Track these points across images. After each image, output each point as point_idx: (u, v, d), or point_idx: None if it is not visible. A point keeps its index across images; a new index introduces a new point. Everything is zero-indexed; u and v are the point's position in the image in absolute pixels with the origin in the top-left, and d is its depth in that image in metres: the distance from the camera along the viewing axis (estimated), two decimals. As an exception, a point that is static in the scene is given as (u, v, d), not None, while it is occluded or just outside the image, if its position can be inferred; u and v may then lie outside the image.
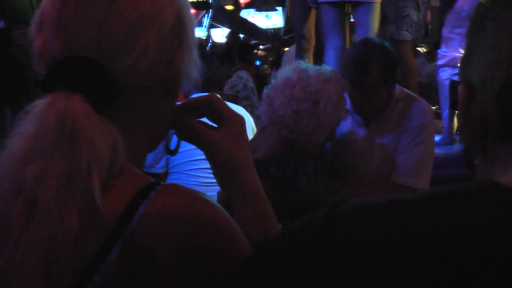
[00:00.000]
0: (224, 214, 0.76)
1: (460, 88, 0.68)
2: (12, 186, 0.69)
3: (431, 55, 7.34)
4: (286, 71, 2.15)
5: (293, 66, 2.17)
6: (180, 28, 0.81)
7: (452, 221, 0.57)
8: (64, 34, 0.75)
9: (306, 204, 2.04)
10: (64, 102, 0.71)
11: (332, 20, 3.70)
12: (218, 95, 0.94)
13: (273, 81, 2.16)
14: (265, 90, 2.17)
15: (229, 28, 11.26)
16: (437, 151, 4.05)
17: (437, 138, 4.45)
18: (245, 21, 11.91)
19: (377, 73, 2.26)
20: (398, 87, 2.45)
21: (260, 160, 2.07)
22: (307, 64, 2.21)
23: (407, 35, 4.23)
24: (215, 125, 0.91)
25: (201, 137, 0.88)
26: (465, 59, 0.68)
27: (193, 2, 14.14)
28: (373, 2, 3.67)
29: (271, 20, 12.73)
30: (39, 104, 0.72)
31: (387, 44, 2.42)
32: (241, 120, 0.92)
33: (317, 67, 2.17)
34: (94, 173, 0.70)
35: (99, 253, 0.69)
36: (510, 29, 0.61)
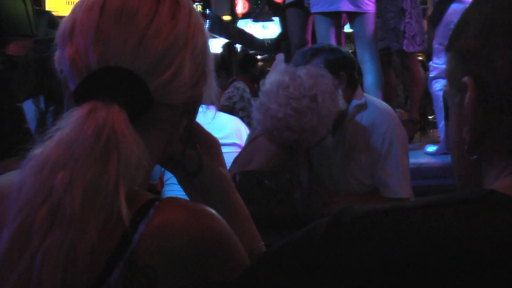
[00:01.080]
0: (225, 225, 0.77)
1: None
2: (41, 191, 0.69)
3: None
4: (275, 76, 2.18)
5: (280, 70, 2.19)
6: (206, 54, 0.84)
7: (452, 228, 0.59)
8: (103, 44, 0.75)
9: (301, 216, 2.04)
10: (105, 112, 0.71)
11: (325, 30, 3.71)
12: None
13: (263, 88, 2.17)
14: (257, 99, 2.17)
15: (226, 38, 11.27)
16: (434, 161, 4.07)
17: (433, 148, 4.46)
18: (242, 31, 11.94)
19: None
20: (360, 92, 2.47)
21: (255, 172, 2.07)
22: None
23: (396, 46, 4.28)
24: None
25: (189, 161, 0.92)
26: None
27: (190, 13, 14.15)
28: (368, 12, 3.69)
29: (268, 30, 12.76)
30: (77, 111, 0.72)
31: (343, 48, 2.52)
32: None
33: (303, 66, 2.20)
34: (121, 187, 0.69)
35: (101, 274, 0.69)
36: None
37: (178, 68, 0.77)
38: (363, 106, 2.42)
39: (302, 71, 2.13)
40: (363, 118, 2.40)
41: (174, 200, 0.77)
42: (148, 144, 0.76)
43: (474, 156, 0.68)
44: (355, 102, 2.41)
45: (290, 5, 4.24)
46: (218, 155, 0.93)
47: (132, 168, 0.71)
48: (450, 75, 0.71)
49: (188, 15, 0.80)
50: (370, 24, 3.73)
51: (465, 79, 0.67)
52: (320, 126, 2.09)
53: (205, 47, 0.84)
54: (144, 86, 0.74)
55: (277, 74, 2.18)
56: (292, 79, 2.11)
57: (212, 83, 0.87)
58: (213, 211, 0.76)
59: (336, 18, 3.76)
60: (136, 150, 0.71)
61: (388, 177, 2.35)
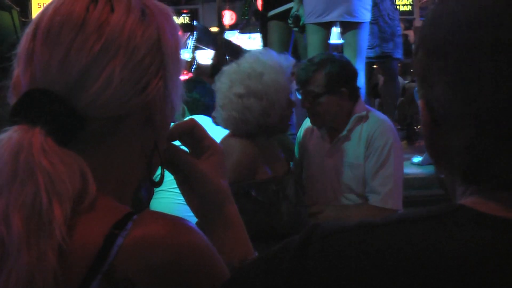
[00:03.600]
0: (204, 239, 0.76)
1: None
2: None
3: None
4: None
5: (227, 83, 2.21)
6: (158, 55, 0.79)
7: (419, 244, 0.59)
8: (32, 67, 0.75)
9: (288, 227, 2.04)
10: (21, 136, 0.71)
11: (319, 41, 3.71)
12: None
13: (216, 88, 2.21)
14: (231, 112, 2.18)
15: (213, 50, 11.28)
16: (421, 171, 4.09)
17: (420, 158, 4.48)
18: (229, 42, 11.96)
19: (320, 81, 2.38)
20: (362, 104, 2.51)
21: (243, 183, 2.07)
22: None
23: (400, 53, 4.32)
24: (187, 150, 0.91)
25: (189, 168, 0.88)
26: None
27: (177, 24, 14.14)
28: (363, 22, 3.71)
29: (255, 41, 12.81)
30: (0, 137, 0.72)
31: (345, 57, 2.53)
32: (221, 150, 0.92)
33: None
34: (55, 205, 0.69)
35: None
36: None
37: (108, 79, 0.74)
38: (364, 118, 2.46)
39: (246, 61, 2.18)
40: (363, 129, 2.45)
41: (153, 213, 0.76)
42: (105, 160, 0.77)
43: (441, 175, 0.69)
44: (356, 113, 2.45)
45: (272, 17, 4.25)
46: (219, 165, 0.90)
47: (66, 187, 0.70)
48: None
49: (123, 20, 0.76)
50: (364, 34, 3.73)
51: (419, 102, 0.67)
52: (271, 109, 2.13)
53: (158, 47, 0.79)
54: (65, 105, 0.73)
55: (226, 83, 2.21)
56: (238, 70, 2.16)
57: (175, 85, 0.83)
58: (192, 225, 0.76)
59: (329, 29, 3.77)
60: (63, 168, 0.70)
61: (380, 187, 2.37)
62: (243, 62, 2.19)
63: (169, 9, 0.85)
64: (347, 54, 3.59)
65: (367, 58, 4.20)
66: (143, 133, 0.81)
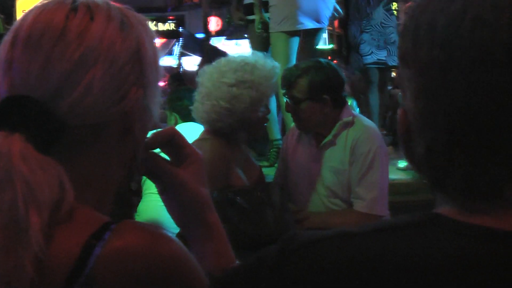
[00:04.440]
0: (183, 250, 0.76)
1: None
2: None
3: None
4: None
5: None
6: (137, 64, 0.80)
7: (396, 253, 0.60)
8: (11, 73, 0.74)
9: (274, 234, 2.03)
10: (0, 142, 0.70)
11: (287, 49, 3.76)
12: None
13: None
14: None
15: (200, 56, 11.29)
16: (406, 177, 4.10)
17: (405, 163, 4.49)
18: (215, 49, 11.98)
19: (302, 87, 2.42)
20: (348, 110, 2.52)
21: (228, 190, 2.07)
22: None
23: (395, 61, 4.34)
24: (167, 158, 0.91)
25: (169, 176, 0.88)
26: None
27: (163, 31, 14.17)
28: (321, 28, 3.83)
29: (241, 47, 12.85)
30: None
31: (332, 65, 2.54)
32: (202, 158, 0.92)
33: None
34: (32, 213, 0.68)
35: None
36: None
37: (88, 87, 0.74)
38: (349, 123, 2.47)
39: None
40: (348, 134, 2.46)
41: (131, 223, 0.75)
42: (82, 168, 0.76)
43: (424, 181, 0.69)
44: (343, 119, 2.47)
45: (250, 21, 4.27)
46: (199, 173, 0.90)
47: (44, 194, 0.69)
48: None
49: (102, 28, 0.77)
50: (321, 38, 3.92)
51: (398, 110, 0.68)
52: (258, 103, 2.19)
53: (137, 57, 0.80)
54: (45, 112, 0.73)
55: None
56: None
57: (154, 94, 0.84)
58: (171, 235, 0.76)
59: (297, 36, 3.82)
60: (42, 176, 0.70)
61: (365, 193, 2.38)
62: (234, 57, 2.26)
63: (146, 19, 0.86)
64: (306, 58, 3.65)
65: (367, 64, 4.23)
66: (122, 141, 0.81)
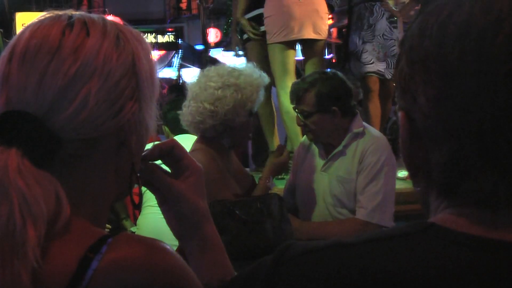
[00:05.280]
0: (181, 261, 0.76)
1: None
2: None
3: None
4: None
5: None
6: (132, 79, 0.80)
7: (390, 263, 0.60)
8: (8, 89, 0.75)
9: (273, 245, 2.04)
10: None
11: (284, 59, 3.77)
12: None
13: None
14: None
15: (199, 67, 11.33)
16: (406, 186, 4.09)
17: (405, 172, 4.48)
18: (214, 60, 12.03)
19: (310, 101, 2.44)
20: (359, 121, 2.53)
21: (226, 201, 2.07)
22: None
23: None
24: (168, 170, 0.91)
25: (167, 188, 0.89)
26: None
27: (162, 43, 14.23)
28: (320, 40, 3.81)
29: (240, 59, 12.92)
30: None
31: (338, 76, 2.54)
32: (201, 169, 0.92)
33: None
34: (28, 227, 0.68)
35: None
36: None
37: (83, 101, 0.75)
38: (360, 135, 2.48)
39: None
40: (358, 145, 2.47)
41: (127, 236, 0.76)
42: (79, 182, 0.77)
43: (417, 189, 0.68)
44: (353, 129, 2.48)
45: (249, 38, 4.29)
46: (198, 185, 0.90)
47: (41, 208, 0.70)
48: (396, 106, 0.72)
49: (98, 44, 0.77)
50: (323, 50, 3.89)
51: (399, 114, 0.67)
52: (241, 107, 2.21)
53: (133, 71, 0.80)
54: (41, 127, 0.73)
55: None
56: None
57: (150, 108, 0.84)
58: (167, 246, 0.76)
59: (293, 47, 3.84)
60: (39, 190, 0.70)
61: (367, 201, 2.38)
62: (223, 64, 2.35)
63: (142, 34, 0.87)
64: (310, 70, 3.67)
65: (369, 72, 4.22)
66: (119, 155, 0.82)
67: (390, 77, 4.33)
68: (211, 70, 2.27)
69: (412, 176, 0.68)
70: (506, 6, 0.58)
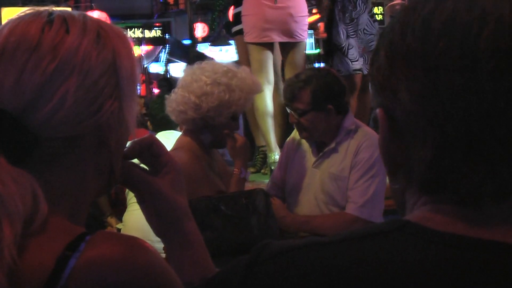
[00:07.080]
0: (160, 259, 0.75)
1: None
2: None
3: None
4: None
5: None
6: (112, 77, 0.79)
7: (364, 261, 0.60)
8: None
9: (258, 241, 2.03)
10: None
11: (259, 59, 3.79)
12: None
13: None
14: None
15: (186, 62, 11.31)
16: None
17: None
18: (202, 55, 12.00)
19: (305, 99, 2.42)
20: (351, 118, 2.53)
21: (211, 197, 2.07)
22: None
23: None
24: (146, 167, 0.91)
25: (145, 185, 0.88)
26: None
27: (149, 38, 14.17)
28: (302, 41, 3.83)
29: (228, 53, 12.91)
30: None
31: (333, 73, 2.55)
32: (179, 166, 0.92)
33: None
34: (4, 225, 0.67)
35: None
36: None
37: (61, 99, 0.74)
38: (352, 132, 2.48)
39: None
40: (351, 142, 2.47)
41: (106, 233, 0.76)
42: (57, 180, 0.76)
43: (396, 186, 0.68)
44: (346, 127, 2.48)
45: (236, 33, 4.28)
46: (177, 181, 0.90)
47: (17, 206, 0.69)
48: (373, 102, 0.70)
49: (77, 41, 0.76)
50: (302, 52, 3.89)
51: (377, 110, 0.65)
52: (226, 108, 2.22)
53: (114, 69, 0.79)
54: (18, 124, 0.72)
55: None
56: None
57: (130, 107, 0.83)
58: (147, 244, 0.75)
59: (269, 48, 3.83)
60: (15, 188, 0.70)
61: (357, 196, 2.38)
62: (221, 62, 2.36)
63: (124, 32, 0.86)
64: (290, 71, 3.68)
65: (356, 70, 4.22)
66: (98, 153, 0.81)
67: (366, 72, 4.34)
68: (208, 64, 2.28)
69: (390, 173, 0.68)
70: (490, 2, 0.58)
